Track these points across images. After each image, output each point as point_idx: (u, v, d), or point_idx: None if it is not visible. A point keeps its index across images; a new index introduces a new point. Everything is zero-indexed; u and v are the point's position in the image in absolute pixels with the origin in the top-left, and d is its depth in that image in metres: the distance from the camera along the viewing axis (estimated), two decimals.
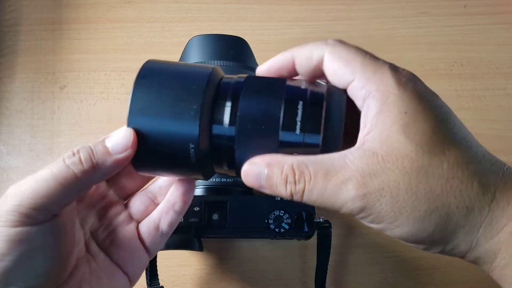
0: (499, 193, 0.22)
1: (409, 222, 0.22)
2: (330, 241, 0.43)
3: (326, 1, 0.58)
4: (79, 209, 0.29)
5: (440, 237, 0.22)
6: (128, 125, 0.25)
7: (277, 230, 0.39)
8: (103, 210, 0.31)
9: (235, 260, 0.47)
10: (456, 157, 0.22)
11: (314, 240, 0.42)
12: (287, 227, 0.39)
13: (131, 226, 0.31)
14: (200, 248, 0.39)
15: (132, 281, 0.30)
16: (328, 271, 0.43)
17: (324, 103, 0.24)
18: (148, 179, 0.33)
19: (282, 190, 0.24)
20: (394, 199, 0.22)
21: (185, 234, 0.38)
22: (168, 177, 0.32)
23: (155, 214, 0.31)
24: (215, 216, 0.39)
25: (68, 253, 0.27)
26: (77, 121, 0.52)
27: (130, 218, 0.31)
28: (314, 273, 0.43)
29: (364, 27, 0.57)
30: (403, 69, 0.24)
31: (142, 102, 0.25)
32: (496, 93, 0.54)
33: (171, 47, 0.55)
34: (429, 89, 0.24)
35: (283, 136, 0.24)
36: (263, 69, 0.27)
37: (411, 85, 0.23)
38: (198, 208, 0.38)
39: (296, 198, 0.24)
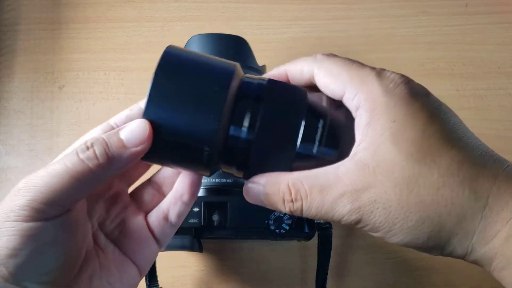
0: (492, 199, 0.22)
1: (403, 232, 0.23)
2: (331, 242, 0.42)
3: (325, 0, 0.58)
4: (87, 200, 0.29)
5: (434, 244, 0.23)
6: (145, 116, 0.24)
7: (277, 231, 0.38)
8: (110, 200, 0.30)
9: (235, 261, 0.47)
10: (448, 164, 0.22)
11: (314, 241, 0.42)
12: (287, 228, 0.38)
13: (140, 217, 0.30)
14: (199, 249, 0.39)
15: (142, 272, 0.30)
16: (328, 272, 0.43)
17: (341, 122, 0.25)
18: (149, 166, 0.32)
19: (281, 208, 0.25)
20: (386, 211, 0.22)
21: (185, 235, 0.38)
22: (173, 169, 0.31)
23: (163, 204, 0.30)
24: (215, 217, 0.39)
25: (79, 248, 0.26)
26: (77, 121, 0.52)
27: (138, 208, 0.31)
28: (315, 274, 0.43)
29: (364, 26, 0.57)
30: (391, 73, 0.24)
31: (161, 94, 0.24)
32: (497, 92, 0.54)
33: None
34: (419, 88, 0.24)
35: (301, 148, 0.25)
36: None
37: (398, 90, 0.23)
38: (198, 209, 0.38)
39: (296, 214, 0.25)
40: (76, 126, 0.52)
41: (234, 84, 0.25)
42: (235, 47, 0.43)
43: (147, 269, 0.30)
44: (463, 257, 0.23)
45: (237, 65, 0.26)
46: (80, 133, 0.51)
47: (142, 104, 0.28)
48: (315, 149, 0.25)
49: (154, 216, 0.30)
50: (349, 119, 0.25)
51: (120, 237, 0.29)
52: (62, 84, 0.53)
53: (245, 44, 0.43)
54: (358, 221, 0.23)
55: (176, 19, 0.57)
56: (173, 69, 0.24)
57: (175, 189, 0.30)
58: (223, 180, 0.40)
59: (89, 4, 0.57)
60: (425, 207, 0.22)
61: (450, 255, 0.23)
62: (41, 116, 0.52)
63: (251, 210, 0.39)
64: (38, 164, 0.50)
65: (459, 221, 0.22)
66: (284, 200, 0.25)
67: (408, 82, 0.24)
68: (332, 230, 0.42)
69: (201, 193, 0.40)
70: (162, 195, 0.31)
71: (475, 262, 0.23)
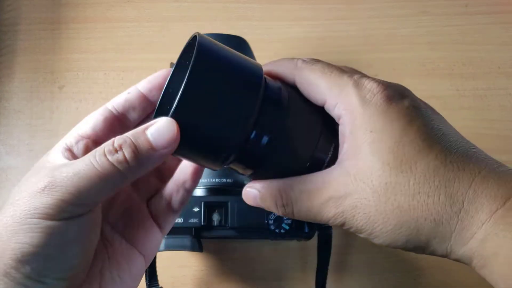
0: (467, 202, 0.22)
1: (383, 235, 0.24)
2: (331, 241, 0.43)
3: (326, 0, 0.58)
4: None
5: (414, 246, 0.24)
6: (173, 115, 0.23)
7: (277, 231, 0.38)
8: None
9: (235, 261, 0.47)
10: (423, 171, 0.23)
11: (314, 241, 0.42)
12: (287, 227, 0.38)
13: (143, 205, 0.30)
14: (199, 249, 0.39)
15: (147, 261, 0.30)
16: (328, 272, 0.43)
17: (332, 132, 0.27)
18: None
19: (275, 211, 0.27)
20: (366, 215, 0.24)
21: (185, 235, 0.38)
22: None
23: (165, 192, 0.30)
24: (215, 217, 0.39)
25: (94, 244, 0.26)
26: (76, 121, 0.51)
27: (139, 196, 0.30)
28: (315, 274, 0.43)
29: (364, 26, 0.57)
30: (368, 82, 0.25)
31: (192, 96, 0.23)
32: (497, 92, 0.54)
33: (170, 46, 0.55)
34: (397, 93, 0.25)
35: (313, 161, 0.26)
36: None
37: (375, 100, 0.24)
38: (198, 209, 0.38)
39: (289, 217, 0.27)
40: None
41: (262, 88, 0.25)
42: (235, 47, 0.42)
43: (152, 257, 0.30)
44: (445, 256, 0.24)
45: (261, 66, 0.26)
46: None
47: (139, 86, 0.28)
48: (325, 164, 0.26)
49: (157, 204, 0.30)
50: (335, 125, 0.26)
51: (125, 228, 0.29)
52: (62, 84, 0.53)
53: (245, 44, 0.43)
54: (343, 224, 0.25)
55: (176, 19, 0.57)
56: (207, 69, 0.24)
57: (177, 177, 0.30)
58: (223, 180, 0.40)
59: (89, 4, 0.57)
60: (402, 213, 0.23)
61: (433, 254, 0.24)
62: (41, 116, 0.52)
63: (251, 210, 0.39)
64: None
65: (436, 225, 0.23)
66: (277, 205, 0.27)
67: (385, 90, 0.25)
68: (332, 230, 0.42)
69: (201, 193, 0.40)
70: (162, 183, 0.31)
71: (457, 261, 0.24)
